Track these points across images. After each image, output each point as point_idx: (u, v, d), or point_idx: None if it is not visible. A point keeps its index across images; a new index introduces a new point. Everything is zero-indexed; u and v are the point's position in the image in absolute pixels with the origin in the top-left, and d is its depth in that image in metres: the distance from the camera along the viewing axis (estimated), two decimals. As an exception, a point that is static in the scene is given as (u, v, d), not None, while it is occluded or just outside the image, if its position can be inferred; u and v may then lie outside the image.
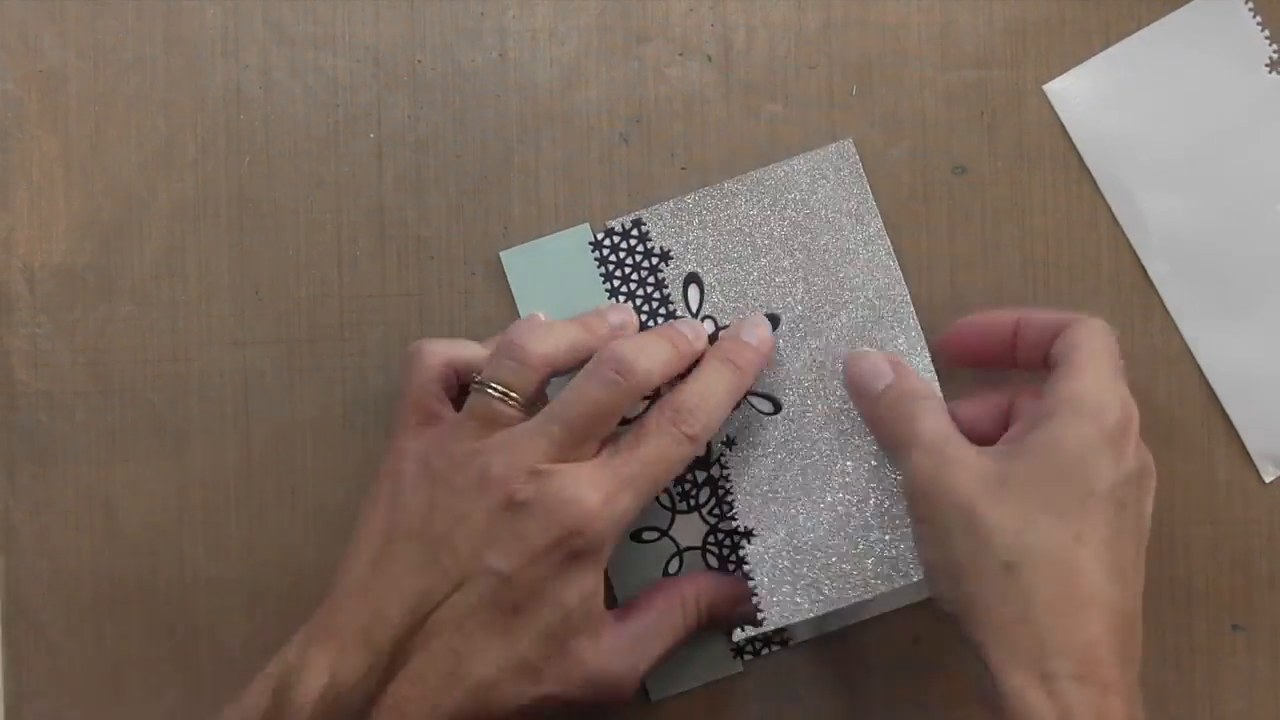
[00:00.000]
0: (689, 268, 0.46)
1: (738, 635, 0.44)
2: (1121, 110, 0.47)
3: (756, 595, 0.44)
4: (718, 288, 0.46)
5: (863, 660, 0.47)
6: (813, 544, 0.44)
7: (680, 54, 0.47)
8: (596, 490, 0.40)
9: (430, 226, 0.47)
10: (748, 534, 0.44)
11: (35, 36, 0.47)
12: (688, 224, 0.46)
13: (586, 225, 0.47)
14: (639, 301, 0.46)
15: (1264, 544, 0.47)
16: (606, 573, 0.42)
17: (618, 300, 0.46)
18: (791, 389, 0.45)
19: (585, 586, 0.40)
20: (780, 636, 0.46)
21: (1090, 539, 0.38)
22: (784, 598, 0.44)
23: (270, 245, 0.47)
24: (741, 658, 0.46)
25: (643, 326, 0.46)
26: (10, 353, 0.47)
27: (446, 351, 0.43)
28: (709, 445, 0.46)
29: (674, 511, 0.46)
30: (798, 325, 0.46)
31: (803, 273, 0.46)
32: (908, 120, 0.47)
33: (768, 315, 0.46)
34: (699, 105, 0.47)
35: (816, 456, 0.45)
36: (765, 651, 0.46)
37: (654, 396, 0.44)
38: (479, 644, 0.40)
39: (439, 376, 0.43)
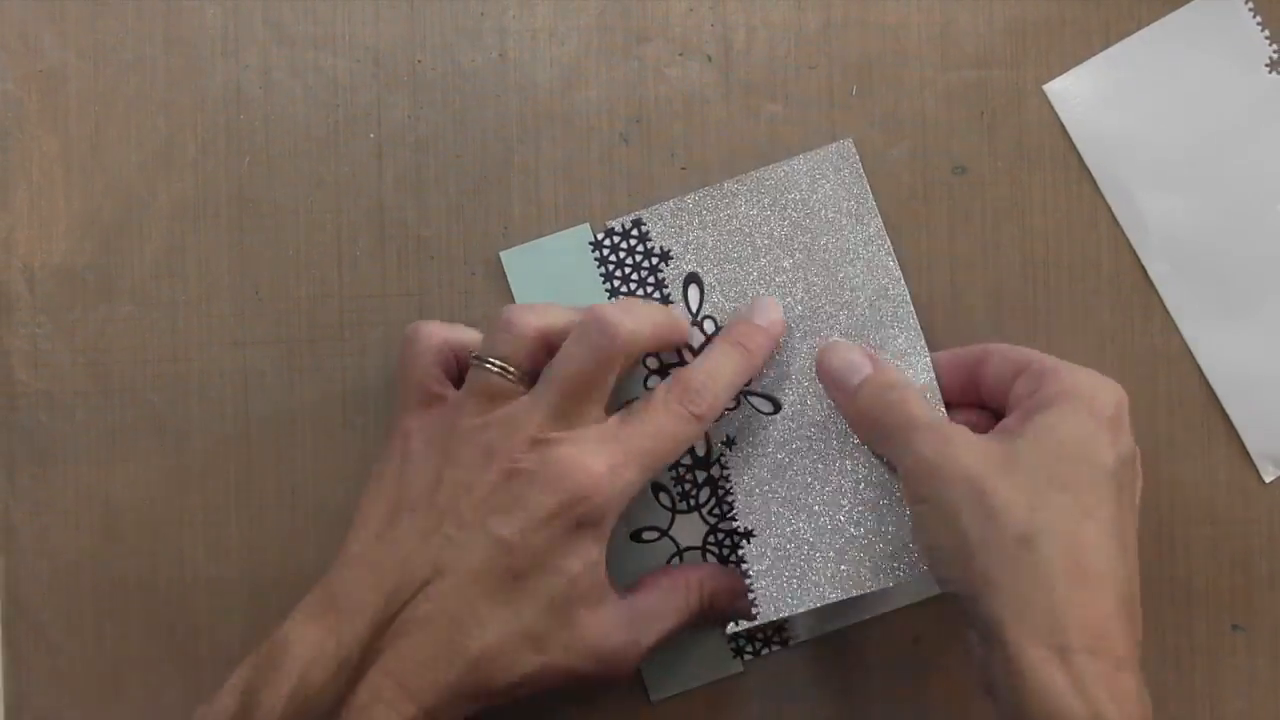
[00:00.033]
0: (689, 268, 0.46)
1: (731, 628, 0.44)
2: (1121, 110, 0.47)
3: (751, 590, 0.44)
4: (718, 288, 0.46)
5: (863, 660, 0.47)
6: (810, 541, 0.44)
7: (680, 54, 0.47)
8: (600, 459, 0.40)
9: (430, 226, 0.47)
10: (747, 534, 0.44)
11: (35, 36, 0.47)
12: (688, 224, 0.46)
13: (586, 225, 0.47)
14: (639, 301, 0.46)
15: (1264, 544, 0.47)
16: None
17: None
18: (791, 389, 0.45)
19: (588, 556, 0.40)
20: (780, 636, 0.46)
21: (1099, 515, 0.38)
22: (778, 592, 0.44)
23: (270, 245, 0.47)
24: (741, 658, 0.46)
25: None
26: (10, 353, 0.47)
27: (444, 333, 0.43)
28: (709, 445, 0.46)
29: (674, 511, 0.46)
30: (798, 325, 0.46)
31: (803, 273, 0.46)
32: (908, 120, 0.47)
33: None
34: (699, 105, 0.47)
35: (816, 456, 0.45)
36: (765, 651, 0.46)
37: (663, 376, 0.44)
38: (480, 611, 0.40)
39: (438, 359, 0.43)
